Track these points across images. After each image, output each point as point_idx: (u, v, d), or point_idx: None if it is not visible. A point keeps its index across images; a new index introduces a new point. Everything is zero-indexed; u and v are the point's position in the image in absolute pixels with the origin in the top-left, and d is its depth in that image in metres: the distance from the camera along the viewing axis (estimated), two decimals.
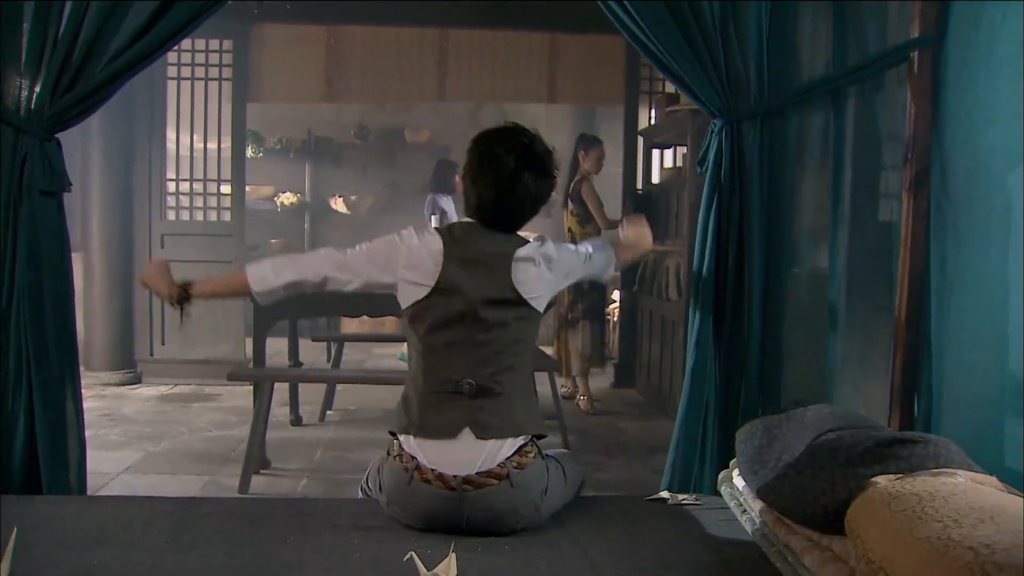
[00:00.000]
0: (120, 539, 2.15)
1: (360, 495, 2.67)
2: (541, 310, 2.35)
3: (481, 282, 2.27)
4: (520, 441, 2.24)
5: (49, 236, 2.61)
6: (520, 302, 2.28)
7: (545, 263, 2.33)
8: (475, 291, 2.26)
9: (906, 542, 1.54)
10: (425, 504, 2.22)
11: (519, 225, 2.38)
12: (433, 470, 2.20)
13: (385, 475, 2.31)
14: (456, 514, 2.21)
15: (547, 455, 2.35)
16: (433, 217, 6.74)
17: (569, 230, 5.93)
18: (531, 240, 2.36)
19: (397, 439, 2.30)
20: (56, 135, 2.61)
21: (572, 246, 2.56)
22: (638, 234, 2.85)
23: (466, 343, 2.27)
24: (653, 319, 6.09)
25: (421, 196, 7.27)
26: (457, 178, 7.10)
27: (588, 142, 5.95)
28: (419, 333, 2.32)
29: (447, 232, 2.34)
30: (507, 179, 2.28)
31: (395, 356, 7.66)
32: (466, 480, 2.19)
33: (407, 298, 2.32)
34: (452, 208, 6.98)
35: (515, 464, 2.22)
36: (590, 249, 2.60)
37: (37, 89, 2.52)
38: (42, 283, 2.60)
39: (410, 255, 2.31)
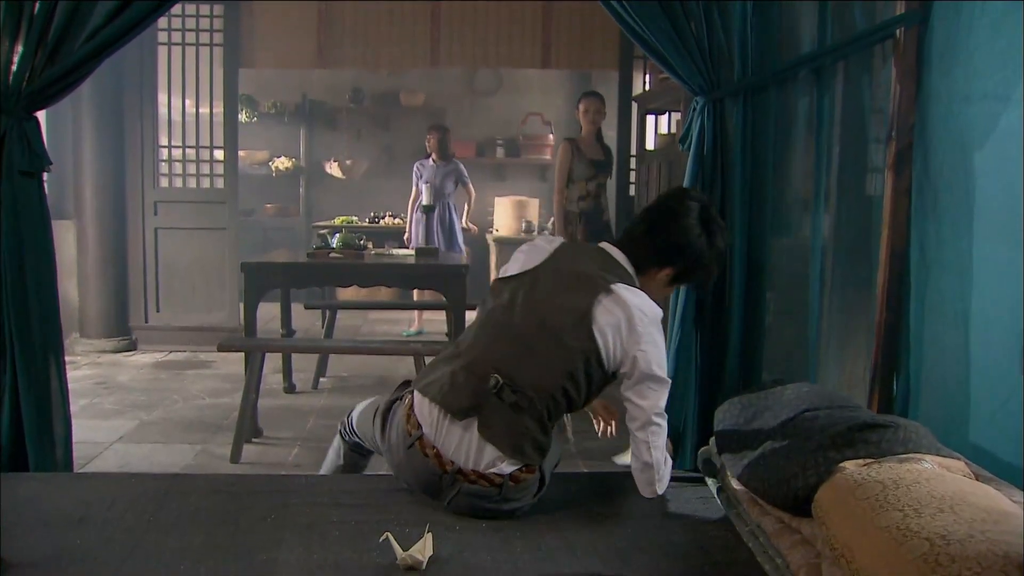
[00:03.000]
0: (103, 517, 2.18)
1: (337, 439, 2.74)
2: (601, 365, 2.21)
3: (565, 291, 2.25)
4: (517, 463, 2.22)
5: (30, 216, 2.60)
6: (587, 335, 2.19)
7: (625, 322, 2.20)
8: (555, 295, 2.25)
9: (867, 531, 1.56)
10: (415, 473, 2.27)
11: (645, 255, 2.36)
12: (435, 447, 2.23)
13: (393, 424, 2.34)
14: (440, 493, 2.24)
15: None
16: (425, 186, 6.78)
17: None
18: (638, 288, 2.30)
19: (413, 395, 2.32)
20: (35, 114, 2.60)
21: (658, 359, 2.25)
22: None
23: (520, 339, 2.24)
24: None
25: (416, 160, 7.27)
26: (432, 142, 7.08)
27: (582, 96, 5.86)
28: (487, 305, 2.35)
29: (565, 243, 2.42)
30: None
31: (389, 322, 7.69)
32: (461, 471, 2.21)
33: (505, 269, 2.39)
34: (431, 173, 7.00)
35: (512, 478, 2.22)
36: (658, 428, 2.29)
37: (14, 68, 2.51)
38: (24, 263, 2.60)
39: (536, 245, 2.41)
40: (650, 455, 2.27)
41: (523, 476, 2.23)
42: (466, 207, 7.48)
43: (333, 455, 2.78)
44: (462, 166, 7.23)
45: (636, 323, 2.19)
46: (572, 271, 2.29)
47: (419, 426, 2.26)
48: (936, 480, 1.67)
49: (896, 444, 1.93)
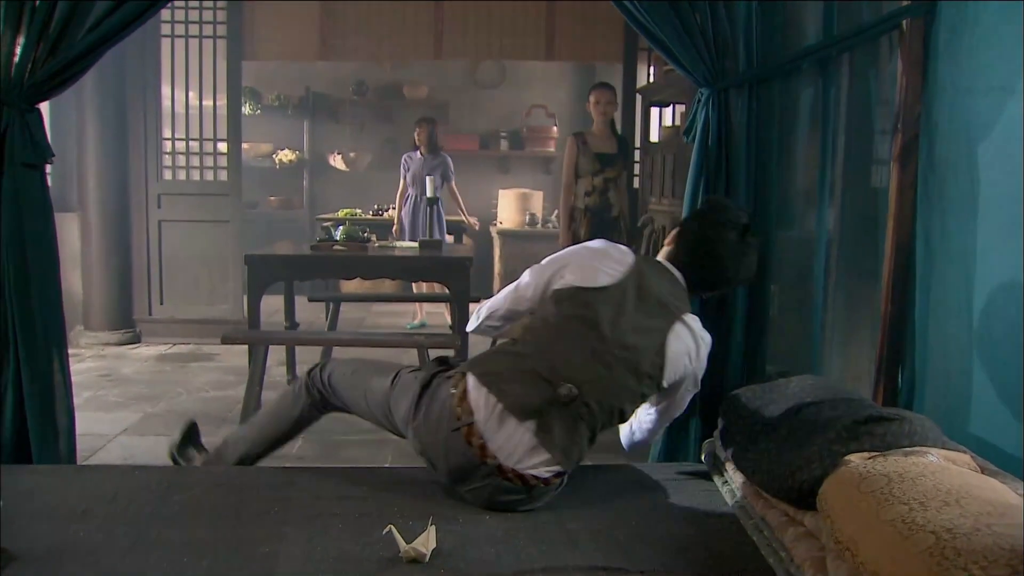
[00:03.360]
0: (105, 511, 2.17)
1: (300, 390, 2.65)
2: (659, 387, 2.35)
3: (647, 317, 2.31)
4: (558, 469, 2.24)
5: (33, 208, 2.60)
6: (660, 363, 2.30)
7: (694, 350, 2.36)
8: (639, 319, 2.30)
9: (872, 524, 1.55)
10: (448, 455, 2.24)
11: (702, 282, 2.50)
12: (482, 438, 2.21)
13: (435, 400, 2.30)
14: (467, 481, 2.23)
15: None
16: (429, 178, 6.67)
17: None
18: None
19: (467, 379, 2.28)
20: (38, 106, 2.59)
21: (702, 376, 2.47)
22: None
23: (600, 357, 2.26)
24: None
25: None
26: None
27: (592, 88, 5.68)
28: (561, 309, 2.34)
29: (638, 257, 2.45)
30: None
31: (393, 314, 7.68)
32: (501, 466, 2.20)
33: (572, 278, 2.37)
34: (418, 166, 6.90)
35: (544, 481, 2.22)
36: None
37: (16, 60, 2.50)
38: (26, 255, 2.60)
39: (605, 253, 2.43)
40: (652, 437, 2.62)
41: (554, 481, 2.24)
42: (458, 202, 7.29)
43: (290, 403, 2.67)
44: (450, 160, 7.11)
45: (701, 350, 2.39)
46: (653, 295, 2.34)
47: (471, 412, 2.23)
48: (942, 473, 1.65)
49: (902, 437, 1.91)
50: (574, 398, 2.21)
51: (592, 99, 5.57)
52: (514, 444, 2.20)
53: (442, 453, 2.26)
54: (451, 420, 2.24)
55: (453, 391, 2.28)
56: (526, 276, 2.48)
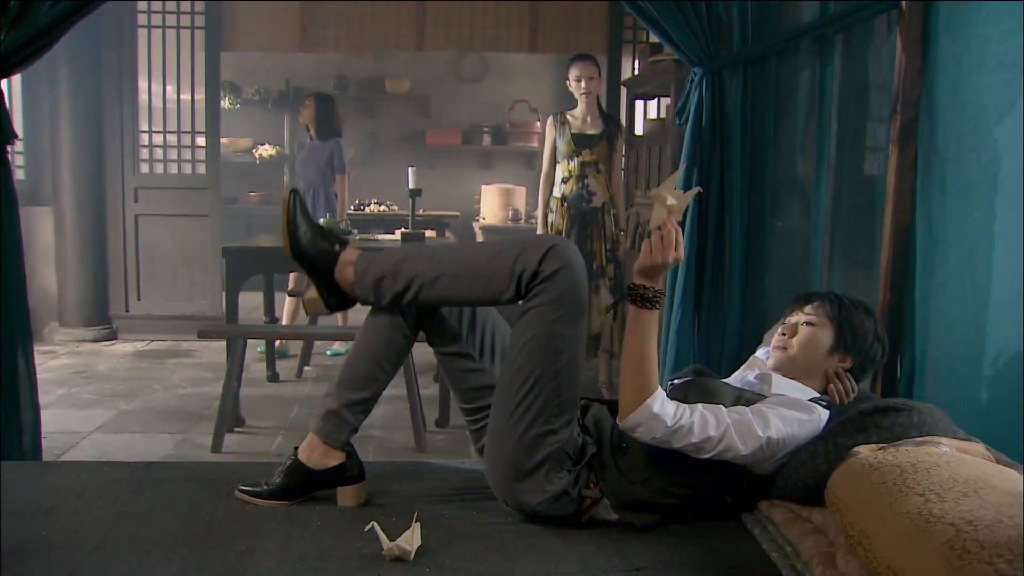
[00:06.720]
0: (72, 507, 2.06)
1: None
2: None
3: None
4: None
5: None
6: None
7: None
8: None
9: (886, 516, 1.46)
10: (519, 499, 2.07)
11: None
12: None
13: (558, 491, 2.03)
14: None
15: None
16: (411, 169, 6.34)
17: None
18: None
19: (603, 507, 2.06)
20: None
21: None
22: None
23: None
24: None
25: (401, 147, 7.04)
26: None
27: (570, 62, 4.86)
28: None
29: None
30: None
31: None
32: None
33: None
34: (306, 153, 6.00)
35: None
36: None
37: None
38: None
39: None
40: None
41: None
42: (343, 200, 5.99)
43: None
44: (343, 146, 5.97)
45: None
46: None
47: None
48: (956, 463, 1.57)
49: (911, 428, 1.83)
50: None
51: (572, 75, 4.79)
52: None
53: (524, 497, 2.04)
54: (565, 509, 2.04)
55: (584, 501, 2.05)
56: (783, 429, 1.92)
